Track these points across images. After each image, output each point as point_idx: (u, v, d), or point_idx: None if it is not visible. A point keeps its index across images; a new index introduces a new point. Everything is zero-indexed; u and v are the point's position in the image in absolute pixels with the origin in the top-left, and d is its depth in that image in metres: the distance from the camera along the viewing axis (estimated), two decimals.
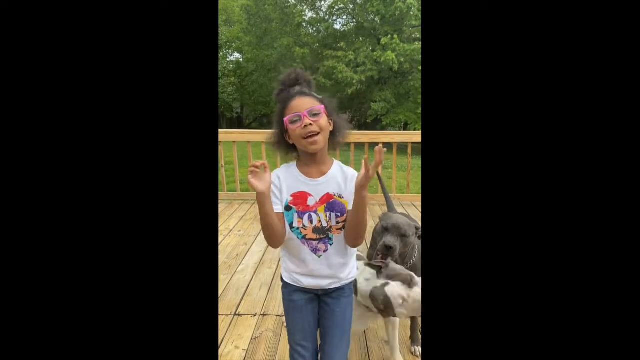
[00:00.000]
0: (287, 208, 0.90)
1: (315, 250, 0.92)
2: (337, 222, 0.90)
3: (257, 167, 0.81)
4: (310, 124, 0.84)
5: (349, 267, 0.98)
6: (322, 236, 0.91)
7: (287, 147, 0.94)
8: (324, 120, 0.87)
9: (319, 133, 0.85)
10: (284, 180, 0.91)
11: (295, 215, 0.90)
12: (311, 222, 0.90)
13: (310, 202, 0.90)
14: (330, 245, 0.92)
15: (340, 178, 0.91)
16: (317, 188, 0.90)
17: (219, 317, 1.67)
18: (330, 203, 0.90)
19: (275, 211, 0.89)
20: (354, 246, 0.92)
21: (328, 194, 0.90)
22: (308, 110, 0.85)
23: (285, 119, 0.87)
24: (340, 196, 0.90)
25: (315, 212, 0.89)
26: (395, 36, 9.57)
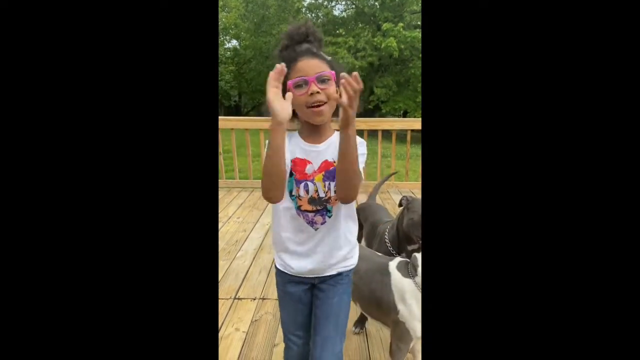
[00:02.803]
0: (289, 174, 0.81)
1: (311, 223, 0.83)
2: (336, 192, 0.79)
3: (277, 87, 0.67)
4: (318, 92, 0.72)
5: (347, 250, 0.87)
6: (318, 207, 0.81)
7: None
8: (332, 88, 0.74)
9: (325, 103, 0.74)
10: (288, 145, 0.80)
11: (294, 182, 0.81)
12: (307, 191, 0.80)
13: (309, 169, 0.81)
14: (329, 217, 0.82)
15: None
16: (317, 155, 0.81)
17: (220, 301, 1.70)
18: (329, 171, 0.80)
19: None
20: (345, 200, 0.79)
21: (326, 161, 0.80)
22: (317, 75, 0.73)
23: (289, 82, 0.73)
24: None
25: (312, 180, 0.80)
26: (400, 24, 9.42)
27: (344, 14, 12.23)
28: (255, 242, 2.35)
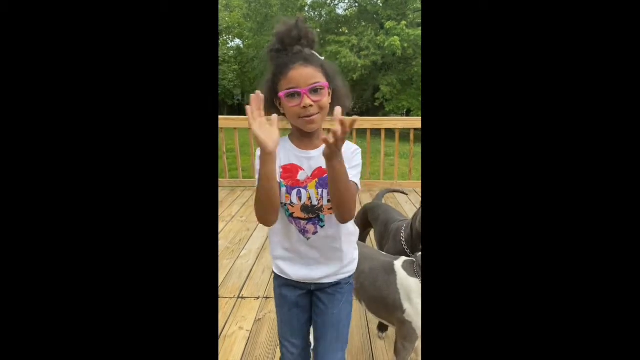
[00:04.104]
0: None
1: (303, 232, 0.80)
2: (329, 201, 0.76)
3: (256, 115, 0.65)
4: (311, 105, 0.70)
5: (347, 258, 0.85)
6: (311, 215, 0.78)
7: (277, 113, 0.76)
8: (326, 98, 0.73)
9: (318, 113, 0.73)
10: (278, 152, 0.77)
11: (284, 189, 0.78)
12: (300, 198, 0.77)
13: (301, 176, 0.78)
14: (322, 227, 0.80)
15: None
16: (309, 162, 0.78)
17: (223, 299, 1.71)
18: (323, 178, 0.77)
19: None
20: (341, 221, 0.76)
21: (320, 168, 0.77)
22: (310, 87, 0.70)
23: (280, 93, 0.72)
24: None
25: (305, 187, 0.77)
26: (403, 22, 9.38)
27: (347, 12, 12.20)
28: (259, 241, 2.36)
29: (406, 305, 1.04)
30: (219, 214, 2.85)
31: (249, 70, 14.42)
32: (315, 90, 0.71)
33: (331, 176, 0.67)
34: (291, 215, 0.79)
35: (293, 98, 0.71)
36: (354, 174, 0.76)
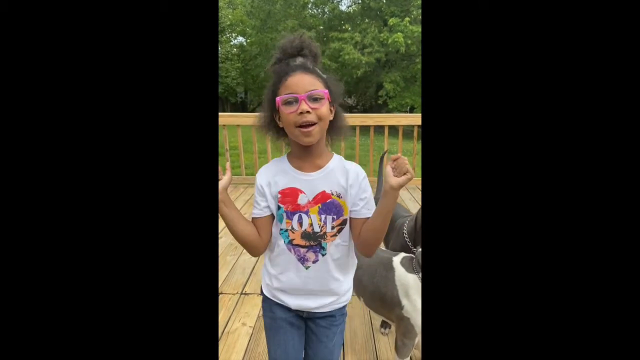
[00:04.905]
0: (277, 207, 0.75)
1: (302, 260, 0.75)
2: (332, 228, 0.72)
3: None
4: (308, 112, 0.66)
5: (344, 288, 0.79)
6: (312, 243, 0.73)
7: (277, 130, 0.75)
8: (325, 108, 0.69)
9: (315, 123, 0.68)
10: (273, 177, 0.75)
11: (284, 215, 0.73)
12: (301, 225, 0.73)
13: (302, 200, 0.73)
14: (323, 255, 0.74)
15: (340, 174, 0.73)
16: (310, 184, 0.73)
17: (227, 296, 1.71)
18: (326, 204, 0.72)
19: (254, 216, 0.75)
20: (367, 255, 0.74)
21: (324, 192, 0.72)
22: (308, 93, 0.67)
23: (278, 98, 0.69)
24: (338, 195, 0.72)
25: (306, 212, 0.72)
26: (406, 19, 9.32)
27: (350, 9, 12.14)
28: None
29: (404, 301, 1.04)
30: None
31: (251, 67, 14.41)
32: (314, 99, 0.67)
33: (386, 210, 0.67)
34: (290, 242, 0.74)
35: (290, 105, 0.68)
36: (372, 203, 0.74)
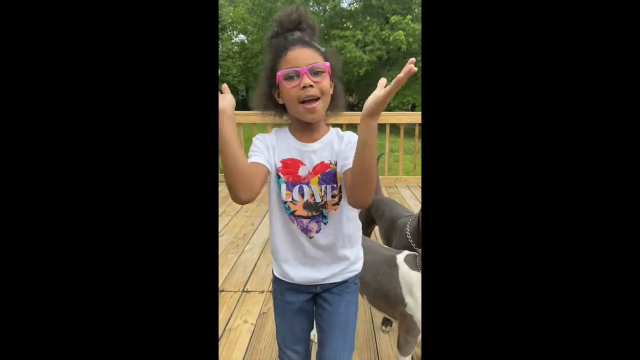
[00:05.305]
0: (277, 177, 0.73)
1: (306, 230, 0.75)
2: (333, 197, 0.72)
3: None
4: (311, 85, 0.65)
5: (352, 255, 0.80)
6: (314, 213, 0.74)
7: (275, 107, 0.74)
8: (326, 82, 0.67)
9: (319, 98, 0.67)
10: (275, 142, 0.74)
11: (284, 186, 0.73)
12: (302, 195, 0.73)
13: (302, 171, 0.73)
14: (325, 224, 0.75)
15: (336, 143, 0.73)
16: (310, 155, 0.73)
17: (228, 293, 1.72)
18: (325, 173, 0.72)
19: (254, 160, 0.70)
20: (359, 205, 0.68)
21: (322, 162, 0.72)
22: (310, 66, 0.65)
23: (278, 72, 0.67)
24: (335, 164, 0.71)
25: (307, 183, 0.72)
26: (408, 16, 9.28)
27: (351, 6, 12.09)
28: (263, 236, 2.37)
29: (408, 298, 1.04)
30: (224, 208, 2.87)
31: (253, 65, 14.39)
32: (315, 73, 0.66)
33: (364, 138, 0.58)
34: (292, 213, 0.74)
35: (292, 80, 0.66)
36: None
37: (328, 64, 0.68)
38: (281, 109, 0.74)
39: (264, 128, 3.64)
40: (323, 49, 0.71)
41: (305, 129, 0.74)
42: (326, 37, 11.15)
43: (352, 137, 0.73)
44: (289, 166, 0.73)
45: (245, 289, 1.76)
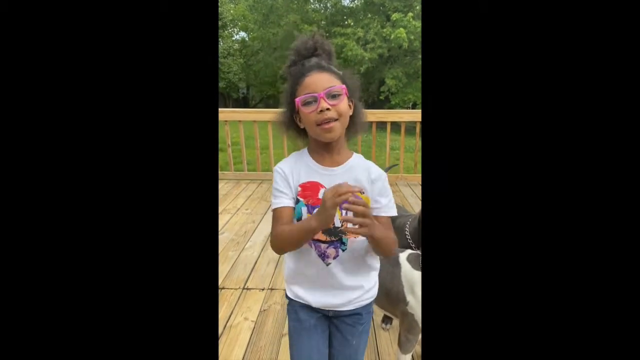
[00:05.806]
0: (295, 201, 0.74)
1: (323, 256, 0.74)
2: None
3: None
4: (328, 109, 0.67)
5: (368, 284, 0.78)
6: (333, 238, 0.73)
7: (297, 131, 0.76)
8: (344, 104, 0.70)
9: (336, 119, 0.69)
10: (294, 168, 0.75)
11: (304, 209, 0.73)
12: None
13: (322, 194, 0.72)
14: (343, 251, 0.74)
15: (361, 170, 0.74)
16: (331, 179, 0.73)
17: (229, 290, 1.73)
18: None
19: (283, 205, 0.72)
20: (382, 255, 0.75)
21: None
22: (326, 90, 0.68)
23: (297, 99, 0.70)
24: (361, 191, 0.69)
25: None
26: (410, 14, 9.25)
27: (352, 4, 12.04)
28: (264, 234, 2.37)
29: (409, 297, 1.04)
30: (224, 206, 2.87)
31: (253, 63, 14.36)
32: (332, 96, 0.69)
33: (373, 244, 0.69)
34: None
35: (310, 105, 0.69)
36: (390, 205, 0.75)
37: (344, 86, 0.71)
38: (302, 132, 0.76)
39: (264, 126, 3.64)
40: (340, 72, 0.73)
41: (326, 151, 0.75)
42: (327, 34, 11.09)
43: (382, 174, 0.75)
44: (309, 189, 0.74)
45: (245, 287, 1.76)
